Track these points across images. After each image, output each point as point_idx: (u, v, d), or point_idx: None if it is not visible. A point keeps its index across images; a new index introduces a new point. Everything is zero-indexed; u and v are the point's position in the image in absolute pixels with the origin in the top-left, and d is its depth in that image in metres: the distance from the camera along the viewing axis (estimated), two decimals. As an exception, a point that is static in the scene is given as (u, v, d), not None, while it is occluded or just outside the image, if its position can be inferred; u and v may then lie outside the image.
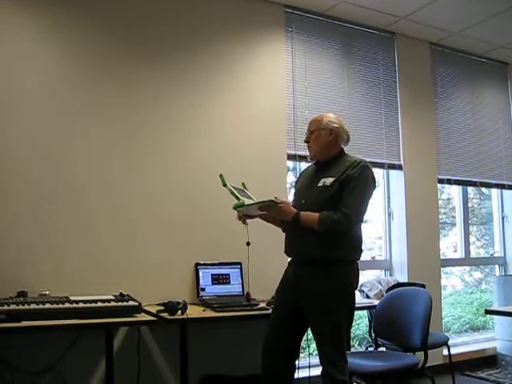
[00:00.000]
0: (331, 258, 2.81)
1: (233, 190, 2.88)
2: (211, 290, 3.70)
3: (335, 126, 3.00)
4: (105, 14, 3.72)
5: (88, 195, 3.53)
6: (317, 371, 3.37)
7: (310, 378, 3.64)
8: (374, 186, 2.98)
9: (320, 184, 2.89)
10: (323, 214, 2.78)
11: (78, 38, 3.60)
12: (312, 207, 2.85)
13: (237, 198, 2.85)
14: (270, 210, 2.90)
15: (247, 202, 2.85)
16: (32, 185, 3.36)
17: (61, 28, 3.55)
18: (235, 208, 2.88)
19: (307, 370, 3.62)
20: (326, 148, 2.99)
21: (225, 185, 2.88)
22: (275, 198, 2.87)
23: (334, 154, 3.00)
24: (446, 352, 4.39)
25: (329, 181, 2.86)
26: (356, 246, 2.93)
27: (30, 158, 3.37)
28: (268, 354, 2.99)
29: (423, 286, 3.88)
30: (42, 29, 3.50)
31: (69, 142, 3.51)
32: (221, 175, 2.89)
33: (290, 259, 3.06)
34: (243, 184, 3.09)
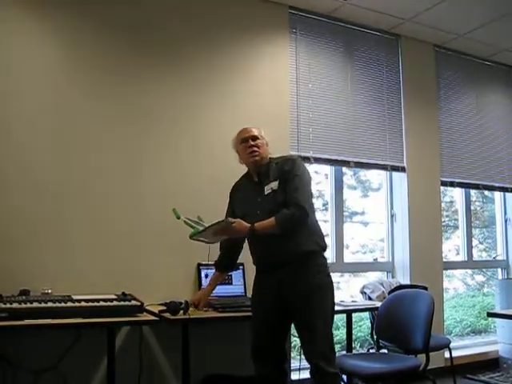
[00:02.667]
0: (302, 253, 2.86)
1: (187, 220, 2.90)
2: (213, 291, 3.70)
3: (267, 140, 3.13)
4: (109, 17, 3.73)
5: (92, 195, 3.54)
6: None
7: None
8: (309, 173, 3.04)
9: (268, 191, 2.95)
10: (277, 216, 2.82)
11: (82, 40, 3.61)
12: (264, 215, 2.88)
13: (191, 226, 2.87)
14: (226, 232, 2.91)
15: (201, 228, 2.86)
16: (36, 184, 3.37)
17: (65, 30, 3.57)
18: (191, 237, 2.88)
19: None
20: (267, 156, 3.09)
21: (178, 217, 2.91)
22: (228, 218, 2.92)
23: (267, 161, 3.08)
24: (447, 355, 4.38)
25: (275, 185, 2.93)
26: (318, 233, 2.98)
27: (32, 158, 3.39)
28: (256, 360, 3.02)
29: (425, 288, 3.87)
30: (47, 30, 3.52)
31: (71, 143, 3.52)
32: (174, 209, 2.94)
33: (258, 268, 3.10)
34: (199, 217, 3.07)
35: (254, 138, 3.07)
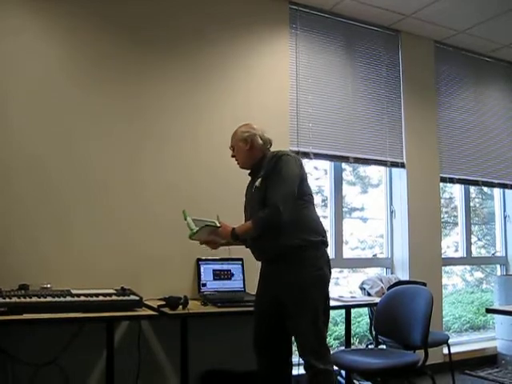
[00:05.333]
0: (285, 249, 2.85)
1: (190, 222, 3.02)
2: (212, 286, 3.71)
3: (247, 134, 3.09)
4: (110, 13, 3.71)
5: (92, 191, 3.54)
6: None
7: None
8: (297, 168, 2.94)
9: (253, 189, 2.98)
10: (253, 218, 2.86)
11: (82, 38, 3.60)
12: (253, 211, 2.94)
13: (190, 228, 2.99)
14: (217, 235, 3.00)
15: (195, 229, 2.98)
16: (36, 180, 3.37)
17: (65, 27, 3.55)
18: (190, 238, 3.02)
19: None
20: (248, 157, 3.09)
21: (185, 219, 3.05)
22: (219, 222, 3.03)
23: (258, 158, 3.07)
24: (446, 351, 4.39)
25: (258, 182, 2.95)
26: (306, 227, 2.92)
27: (33, 156, 3.38)
28: (260, 355, 3.04)
29: (424, 284, 3.88)
30: (47, 26, 3.50)
31: (71, 142, 3.52)
32: (183, 211, 3.06)
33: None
34: (217, 217, 3.15)
35: (231, 147, 3.17)
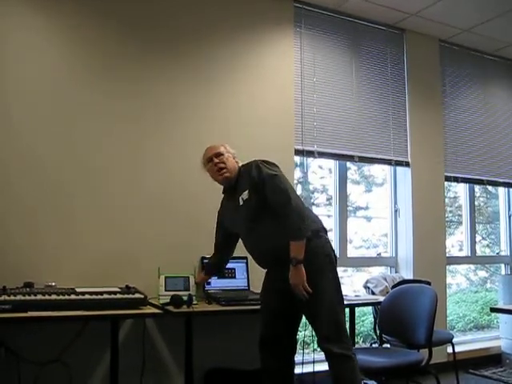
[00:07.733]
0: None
1: (160, 282, 3.36)
2: (217, 284, 3.71)
3: (233, 151, 3.19)
4: (114, 13, 3.71)
5: (92, 191, 3.54)
6: (320, 367, 3.39)
7: (314, 373, 3.64)
8: (276, 166, 3.01)
9: (241, 202, 2.98)
10: (289, 234, 2.78)
11: (84, 36, 3.60)
12: (248, 223, 2.96)
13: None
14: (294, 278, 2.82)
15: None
16: (36, 180, 3.38)
17: (67, 25, 3.55)
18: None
19: (311, 365, 3.63)
20: (235, 168, 3.11)
21: (159, 276, 3.38)
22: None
23: (237, 173, 3.10)
24: (450, 350, 4.38)
25: (245, 194, 2.96)
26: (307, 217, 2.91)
27: (33, 156, 3.39)
28: (265, 353, 3.03)
29: (428, 283, 3.87)
30: (49, 24, 3.50)
31: (72, 142, 3.52)
32: (158, 268, 3.39)
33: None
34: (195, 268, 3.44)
35: (218, 154, 3.11)
